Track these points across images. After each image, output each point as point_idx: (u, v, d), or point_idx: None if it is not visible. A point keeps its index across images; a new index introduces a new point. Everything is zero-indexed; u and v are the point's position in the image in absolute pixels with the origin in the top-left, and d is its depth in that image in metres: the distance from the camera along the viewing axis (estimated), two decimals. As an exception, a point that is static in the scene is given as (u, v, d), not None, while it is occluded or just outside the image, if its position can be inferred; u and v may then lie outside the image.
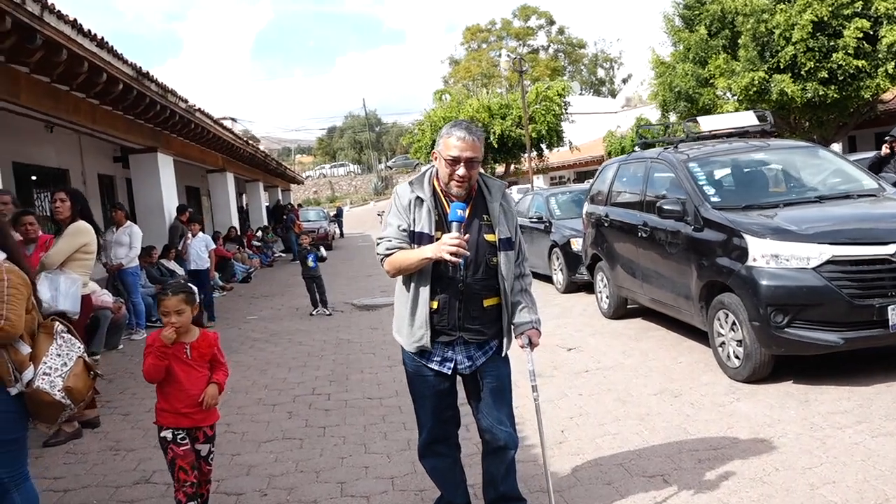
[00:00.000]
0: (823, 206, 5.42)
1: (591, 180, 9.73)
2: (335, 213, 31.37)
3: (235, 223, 17.51)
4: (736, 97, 19.36)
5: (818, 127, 18.83)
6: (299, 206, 28.97)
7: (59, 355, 2.90)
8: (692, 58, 20.39)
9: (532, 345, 3.00)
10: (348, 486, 3.85)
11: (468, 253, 2.76)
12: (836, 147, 19.19)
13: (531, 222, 11.21)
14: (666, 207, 5.80)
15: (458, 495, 3.19)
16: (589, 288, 8.81)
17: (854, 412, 4.29)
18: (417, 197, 2.92)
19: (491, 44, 54.78)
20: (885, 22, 15.58)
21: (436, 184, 2.96)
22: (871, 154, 8.95)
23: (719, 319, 5.29)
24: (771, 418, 4.32)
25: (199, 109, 11.22)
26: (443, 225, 2.86)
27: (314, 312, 9.70)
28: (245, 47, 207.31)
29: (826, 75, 16.08)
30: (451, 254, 2.66)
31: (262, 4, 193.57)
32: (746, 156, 6.39)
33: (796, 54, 16.38)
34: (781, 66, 16.91)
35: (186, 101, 10.47)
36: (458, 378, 3.06)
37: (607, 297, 7.73)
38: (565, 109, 24.96)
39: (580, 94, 47.35)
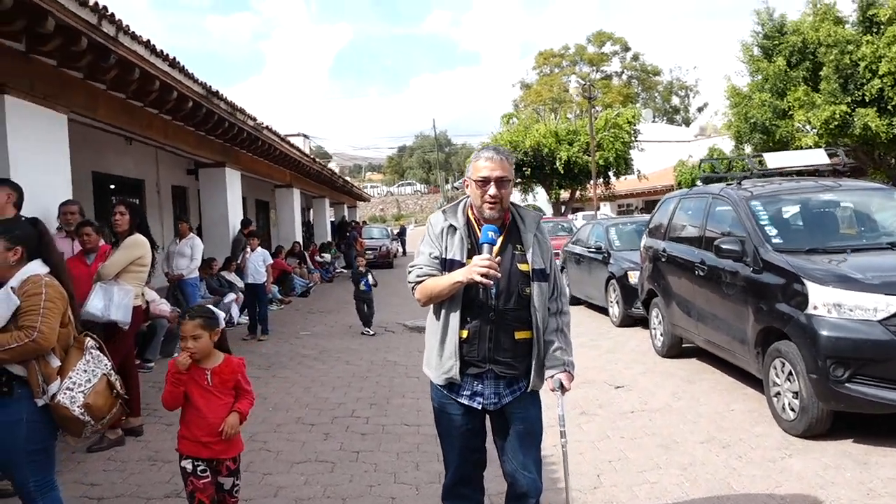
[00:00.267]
0: (896, 253, 5.09)
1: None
2: (398, 231, 31.70)
3: (299, 238, 17.87)
4: (815, 130, 18.65)
5: (904, 164, 17.93)
6: (364, 223, 29.38)
7: (86, 371, 2.97)
8: (770, 88, 19.78)
9: (563, 389, 2.87)
10: (372, 517, 3.79)
11: (499, 275, 2.69)
12: (923, 187, 18.16)
13: (589, 252, 11.02)
14: (724, 247, 5.57)
15: None
16: (645, 323, 8.55)
17: (918, 479, 3.97)
18: (450, 225, 2.89)
19: (563, 69, 54.60)
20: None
21: (470, 213, 2.93)
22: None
23: (775, 368, 5.01)
24: (824, 479, 4.05)
25: (266, 127, 11.53)
26: (475, 252, 2.80)
27: (364, 332, 9.75)
28: (324, 66, 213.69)
29: (915, 111, 15.31)
30: (483, 275, 2.61)
31: (342, 25, 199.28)
32: (814, 196, 6.08)
33: (883, 87, 15.66)
34: (866, 100, 16.19)
35: (255, 119, 10.77)
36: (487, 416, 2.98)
37: (661, 335, 7.47)
38: (635, 137, 24.55)
39: (653, 121, 46.67)
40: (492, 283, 2.67)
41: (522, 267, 2.84)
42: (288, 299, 13.97)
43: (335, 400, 6.27)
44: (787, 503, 3.76)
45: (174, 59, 7.11)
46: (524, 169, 23.95)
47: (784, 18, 20.35)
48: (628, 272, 9.31)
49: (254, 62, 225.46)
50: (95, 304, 4.81)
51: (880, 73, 15.55)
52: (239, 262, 10.54)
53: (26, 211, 5.68)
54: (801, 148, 18.15)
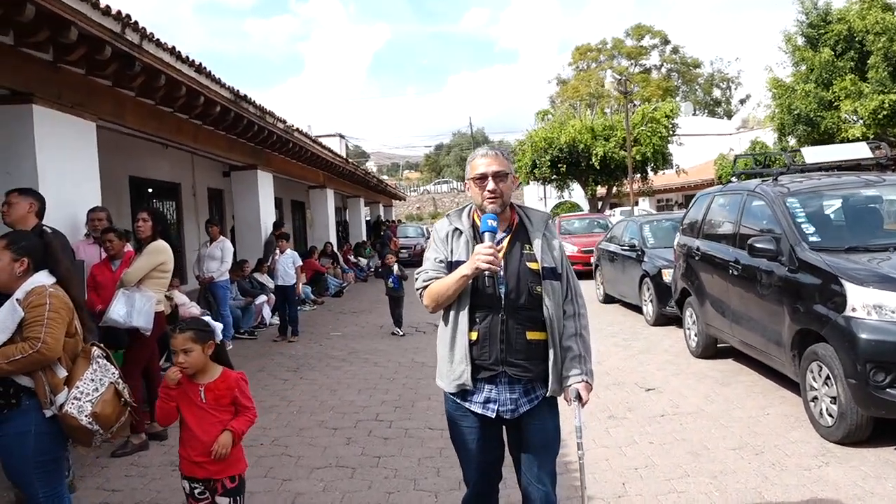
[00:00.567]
0: (944, 251, 4.82)
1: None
2: (435, 229, 31.59)
3: (333, 238, 17.96)
4: (863, 121, 18.03)
5: (957, 155, 17.18)
6: (399, 222, 29.43)
7: (93, 380, 2.96)
8: (815, 79, 19.19)
9: (581, 401, 2.74)
10: (388, 526, 3.72)
11: (501, 262, 2.65)
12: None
13: (623, 249, 10.81)
14: (758, 245, 5.35)
15: None
16: (680, 321, 8.32)
17: (966, 492, 3.74)
18: (455, 228, 2.84)
19: (601, 63, 53.87)
20: None
21: (475, 217, 2.86)
22: None
23: (812, 371, 4.79)
24: (864, 490, 3.84)
25: (297, 129, 11.58)
26: None
27: (394, 332, 9.71)
28: (362, 66, 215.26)
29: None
30: (486, 262, 2.54)
31: (380, 25, 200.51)
32: (856, 191, 5.81)
33: (933, 75, 15.02)
34: (917, 89, 15.57)
35: (284, 122, 10.82)
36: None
37: (696, 335, 7.25)
38: (673, 131, 24.03)
39: (693, 114, 45.69)
40: (497, 269, 2.61)
41: (532, 265, 2.76)
42: (321, 300, 14.03)
43: (360, 403, 6.23)
44: (821, 516, 3.58)
45: (200, 64, 7.16)
46: (559, 165, 23.64)
47: (829, 6, 19.72)
48: (662, 270, 9.09)
49: (293, 64, 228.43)
50: (118, 310, 4.85)
51: (931, 59, 14.91)
52: (269, 263, 10.61)
53: (56, 217, 5.78)
54: (848, 139, 17.55)
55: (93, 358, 3.05)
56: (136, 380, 5.10)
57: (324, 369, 7.73)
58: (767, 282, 5.43)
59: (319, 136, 26.45)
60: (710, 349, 7.08)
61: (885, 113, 16.95)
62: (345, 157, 22.63)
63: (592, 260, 13.27)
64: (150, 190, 11.78)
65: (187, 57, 6.82)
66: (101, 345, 3.17)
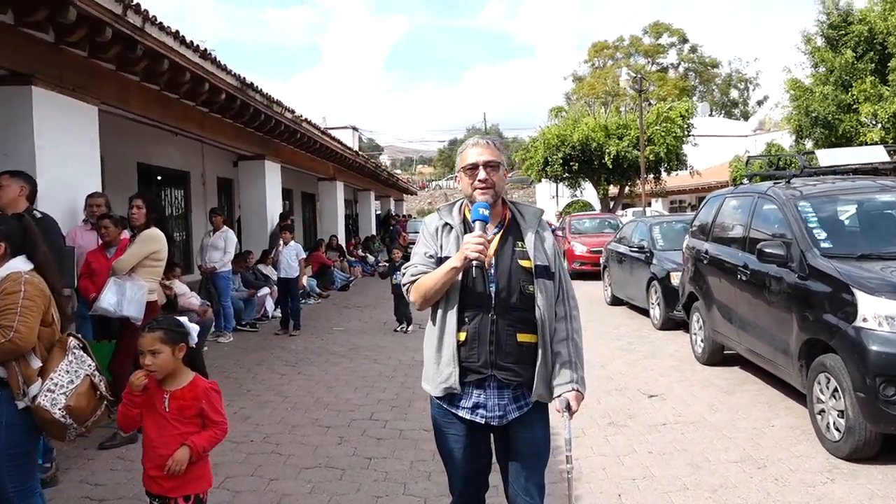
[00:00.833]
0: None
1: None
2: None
3: (341, 231, 17.86)
4: (882, 124, 17.70)
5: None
6: (410, 216, 29.30)
7: (68, 372, 2.86)
8: (834, 81, 18.84)
9: (570, 411, 2.59)
10: (373, 531, 3.61)
11: (491, 254, 2.55)
12: None
13: (632, 251, 10.63)
14: (767, 250, 5.18)
15: None
16: (688, 326, 8.15)
17: (977, 515, 3.57)
18: (445, 223, 2.71)
19: (618, 61, 53.39)
20: None
21: (466, 212, 2.73)
22: None
23: (819, 383, 4.63)
24: (869, 510, 3.69)
25: (305, 119, 11.47)
26: None
27: (398, 329, 9.59)
28: (379, 59, 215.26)
29: None
30: (475, 251, 2.41)
31: (398, 18, 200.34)
32: (871, 196, 5.62)
33: (955, 81, 14.70)
34: (939, 94, 15.24)
35: (293, 111, 10.72)
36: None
37: (702, 341, 7.08)
38: (688, 131, 23.73)
39: (710, 115, 45.23)
40: (486, 259, 2.50)
41: (524, 263, 2.62)
42: (326, 293, 13.94)
43: (356, 401, 6.12)
44: (824, 536, 3.43)
45: (205, 49, 7.07)
46: (571, 163, 23.42)
47: (851, 6, 19.36)
48: (671, 273, 8.91)
49: (311, 55, 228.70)
50: (108, 298, 4.77)
51: (954, 64, 14.58)
52: (272, 255, 10.52)
53: (54, 202, 5.73)
54: (866, 143, 17.24)
55: (69, 349, 2.94)
56: (127, 370, 4.98)
57: (323, 365, 7.63)
58: (776, 288, 5.26)
59: (332, 129, 26.39)
60: (717, 356, 6.91)
61: (905, 117, 16.63)
62: (357, 149, 22.54)
63: (601, 261, 13.10)
64: (158, 177, 11.73)
65: (192, 42, 6.72)
66: (79, 335, 3.06)
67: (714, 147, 31.08)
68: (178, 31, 6.42)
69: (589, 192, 28.80)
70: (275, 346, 8.77)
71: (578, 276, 16.58)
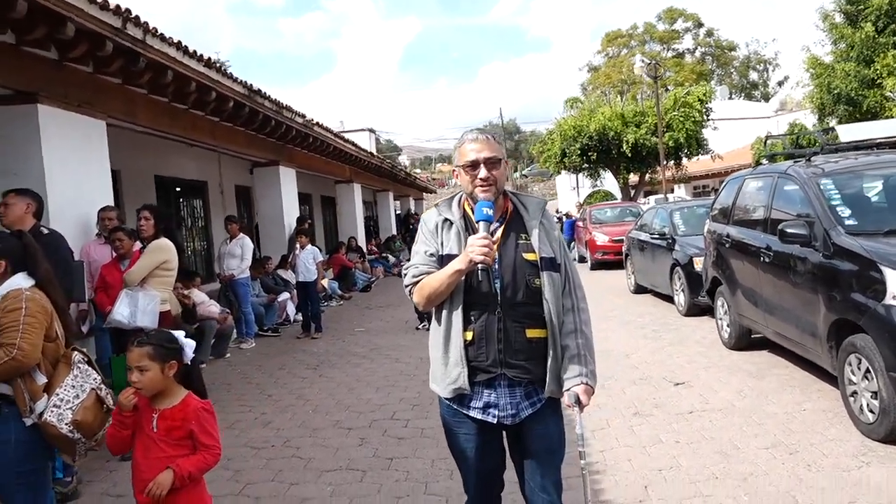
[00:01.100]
0: None
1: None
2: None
3: (361, 233, 17.86)
4: (906, 98, 17.26)
5: None
6: (430, 215, 29.14)
7: (74, 387, 2.82)
8: (855, 57, 18.42)
9: (581, 405, 2.49)
10: (392, 534, 3.54)
11: (495, 254, 2.43)
12: None
13: (653, 238, 10.45)
14: (789, 231, 5.03)
15: None
16: (713, 311, 7.98)
17: None
18: (445, 219, 2.60)
19: (632, 49, 52.75)
20: None
21: (466, 206, 2.63)
22: None
23: (850, 364, 4.47)
24: (908, 493, 3.53)
25: (316, 123, 11.46)
26: None
27: (419, 327, 9.53)
28: (393, 61, 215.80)
29: None
30: (481, 254, 2.32)
31: (410, 19, 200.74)
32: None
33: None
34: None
35: (303, 116, 10.71)
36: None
37: (728, 326, 6.92)
38: (707, 115, 23.35)
39: (729, 98, 44.51)
40: (492, 262, 2.39)
41: (529, 256, 2.53)
42: (348, 295, 13.94)
43: (377, 401, 6.06)
44: (861, 523, 3.29)
45: (209, 59, 7.06)
46: (590, 154, 23.17)
47: (871, -21, 18.88)
48: (693, 258, 8.73)
49: (326, 60, 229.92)
50: (122, 311, 4.76)
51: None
52: (290, 260, 10.52)
53: (66, 217, 5.76)
54: (892, 118, 16.80)
55: (73, 363, 2.90)
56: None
57: (344, 367, 7.59)
58: (801, 269, 5.10)
59: (349, 132, 26.46)
60: (744, 340, 6.74)
61: (931, 89, 16.21)
62: (375, 151, 22.56)
63: (623, 249, 12.92)
64: (177, 189, 11.80)
65: (195, 52, 6.71)
66: (83, 350, 3.03)
67: (736, 130, 30.57)
68: (180, 42, 6.41)
69: (609, 181, 28.50)
70: (296, 349, 8.76)
71: (601, 265, 16.44)
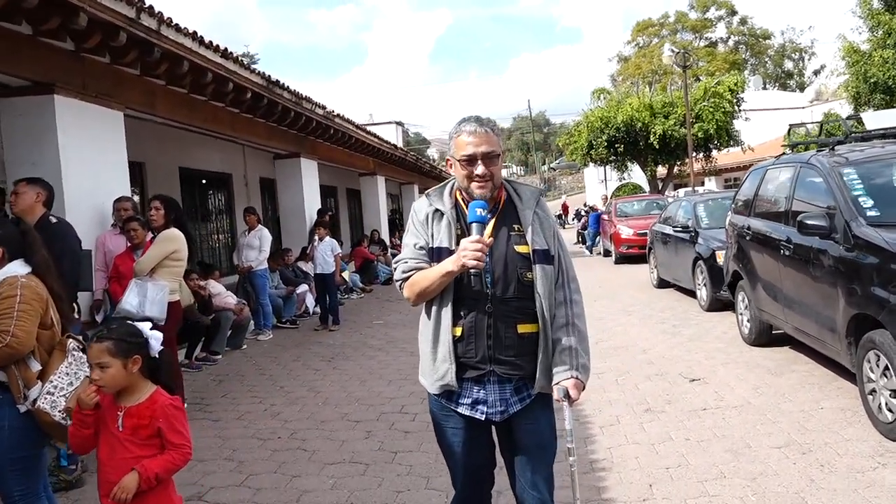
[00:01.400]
0: None
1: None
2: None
3: (384, 225, 17.87)
4: (946, 87, 16.72)
5: None
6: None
7: (67, 374, 2.83)
8: (893, 44, 17.89)
9: (570, 399, 2.41)
10: (389, 528, 3.51)
11: (486, 258, 2.33)
12: None
13: (676, 231, 10.26)
14: (808, 222, 4.87)
15: None
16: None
17: None
18: (436, 210, 2.52)
19: (663, 38, 51.92)
20: None
21: (458, 196, 2.55)
22: None
23: (869, 361, 4.32)
24: (925, 497, 3.39)
25: (338, 115, 11.46)
26: (465, 237, 2.41)
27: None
28: (424, 52, 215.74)
29: None
30: (474, 259, 2.25)
31: (441, 10, 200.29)
32: (924, 159, 5.21)
33: None
34: None
35: (324, 108, 10.71)
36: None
37: (748, 321, 6.75)
38: (738, 106, 22.84)
39: (763, 88, 43.58)
40: (483, 264, 2.30)
41: (521, 249, 2.45)
42: (369, 287, 13.96)
43: (388, 394, 6.04)
44: (872, 526, 3.17)
45: (226, 49, 7.07)
46: (616, 145, 22.84)
47: (908, -36, 18.32)
48: (716, 252, 8.55)
49: (357, 53, 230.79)
50: (130, 300, 4.80)
51: None
52: (308, 252, 10.55)
53: (82, 207, 5.83)
54: (931, 107, 16.28)
55: (68, 351, 2.92)
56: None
57: (359, 359, 7.58)
58: (820, 262, 4.94)
59: (377, 125, 26.43)
60: (764, 336, 6.57)
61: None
62: (402, 144, 22.51)
63: (647, 243, 12.72)
64: (202, 181, 11.91)
65: (210, 42, 6.72)
66: (79, 337, 3.04)
67: (769, 121, 29.90)
68: (195, 32, 6.43)
69: (637, 173, 28.10)
70: (313, 342, 8.78)
71: (625, 259, 16.24)
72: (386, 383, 6.43)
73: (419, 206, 2.59)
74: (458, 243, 2.40)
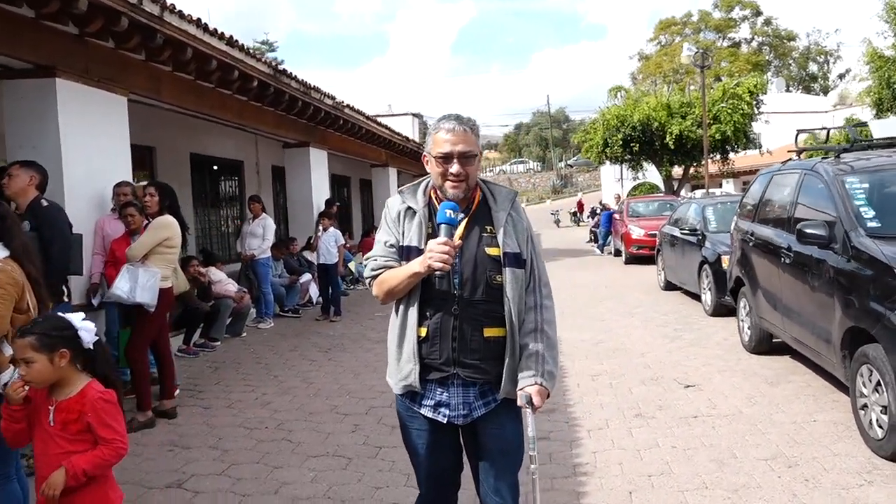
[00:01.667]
0: None
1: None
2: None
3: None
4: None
5: None
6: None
7: (40, 359, 2.82)
8: (918, 49, 17.57)
9: (533, 406, 2.36)
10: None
11: (454, 261, 2.29)
12: None
13: (683, 234, 10.15)
14: (807, 231, 4.78)
15: None
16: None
17: None
18: (409, 207, 2.48)
19: (686, 37, 51.34)
20: None
21: (432, 194, 2.50)
22: None
23: (862, 375, 4.23)
24: (907, 517, 3.32)
25: (347, 105, 11.42)
26: (435, 237, 2.39)
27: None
28: (446, 44, 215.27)
29: None
30: (440, 261, 2.22)
31: (465, 3, 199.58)
32: (932, 170, 5.10)
33: None
34: None
35: (333, 98, 10.68)
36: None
37: (749, 328, 6.66)
38: (757, 108, 22.52)
39: (786, 90, 43.00)
40: (448, 267, 2.27)
41: (492, 251, 2.40)
42: (375, 279, 13.92)
43: (380, 388, 6.00)
44: (850, 545, 3.10)
45: (231, 37, 7.05)
46: (632, 144, 22.62)
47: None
48: (722, 256, 8.44)
49: (379, 43, 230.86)
50: (121, 286, 4.80)
51: None
52: (312, 242, 10.55)
53: (83, 191, 5.85)
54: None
55: None
56: (143, 355, 5.09)
57: (356, 351, 7.58)
58: (818, 272, 4.85)
59: (392, 116, 26.36)
60: (764, 344, 6.48)
61: None
62: (419, 136, 22.41)
63: (656, 244, 12.61)
64: (214, 167, 11.94)
65: (215, 30, 6.71)
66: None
67: (790, 124, 29.49)
68: (199, 19, 6.41)
69: (652, 173, 27.85)
70: (312, 332, 8.80)
71: (635, 260, 16.12)
72: (379, 377, 6.34)
73: (392, 203, 2.55)
74: (427, 242, 2.37)
